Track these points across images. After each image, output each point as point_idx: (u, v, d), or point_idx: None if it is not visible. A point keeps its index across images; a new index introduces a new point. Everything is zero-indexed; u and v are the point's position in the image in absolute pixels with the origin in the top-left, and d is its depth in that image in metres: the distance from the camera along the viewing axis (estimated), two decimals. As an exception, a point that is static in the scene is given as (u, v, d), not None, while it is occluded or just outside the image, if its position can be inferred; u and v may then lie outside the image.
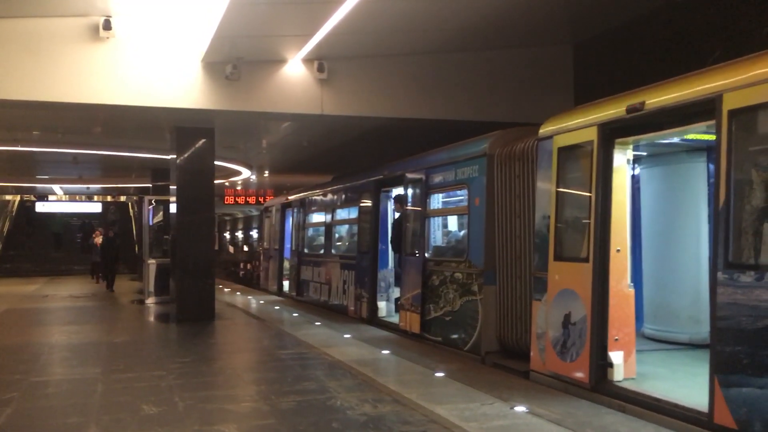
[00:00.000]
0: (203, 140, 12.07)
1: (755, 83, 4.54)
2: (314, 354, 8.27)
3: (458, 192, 9.47)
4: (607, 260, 6.03)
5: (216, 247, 31.96)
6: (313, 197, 15.67)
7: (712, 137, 5.06)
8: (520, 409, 5.49)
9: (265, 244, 20.66)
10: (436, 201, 10.10)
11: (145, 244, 16.22)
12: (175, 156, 12.14)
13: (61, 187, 28.32)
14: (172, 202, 12.55)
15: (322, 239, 14.97)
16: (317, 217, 15.53)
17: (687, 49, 8.68)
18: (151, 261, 15.17)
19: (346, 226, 14.26)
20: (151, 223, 16.43)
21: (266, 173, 22.52)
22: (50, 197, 30.96)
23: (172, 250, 12.88)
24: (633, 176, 6.98)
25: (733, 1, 8.28)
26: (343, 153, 16.52)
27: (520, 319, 7.66)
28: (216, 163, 12.87)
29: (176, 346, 9.67)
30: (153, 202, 17.08)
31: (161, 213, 16.81)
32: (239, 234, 49.68)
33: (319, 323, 11.17)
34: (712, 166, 6.89)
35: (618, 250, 6.05)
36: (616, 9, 9.44)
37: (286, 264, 17.89)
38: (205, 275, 12.11)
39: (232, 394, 6.45)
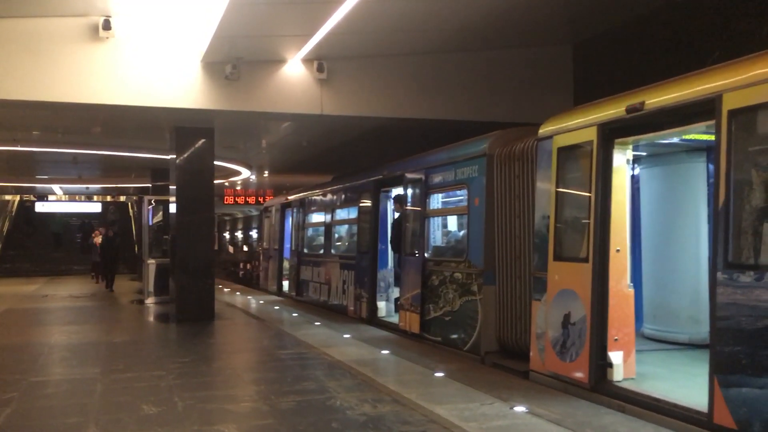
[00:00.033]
0: (203, 140, 12.06)
1: (755, 83, 4.54)
2: (314, 354, 8.27)
3: (458, 192, 9.47)
4: (607, 260, 6.03)
5: (215, 247, 31.98)
6: (313, 197, 15.67)
7: (712, 137, 5.06)
8: (520, 409, 5.49)
9: (264, 244, 20.66)
10: (436, 201, 10.10)
11: (144, 244, 16.22)
12: (174, 156, 12.14)
13: (60, 187, 28.31)
14: (172, 202, 12.55)
15: (321, 239, 14.97)
16: (317, 217, 15.53)
17: (687, 49, 8.69)
18: (151, 261, 15.17)
19: (346, 226, 14.26)
20: (150, 223, 16.43)
21: (266, 173, 22.52)
22: (50, 197, 30.95)
23: (171, 250, 12.88)
24: (633, 176, 6.98)
25: (733, 1, 8.28)
26: (343, 153, 16.52)
27: (519, 319, 7.66)
28: (216, 163, 12.87)
29: (176, 346, 9.67)
30: (153, 202, 17.08)
31: (161, 213, 16.81)
32: (239, 234, 49.68)
33: (318, 323, 11.17)
34: (711, 166, 6.89)
35: (618, 250, 6.05)
36: (616, 9, 9.44)
37: (286, 264, 17.89)
38: (205, 275, 12.11)
39: (231, 394, 6.45)
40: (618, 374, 5.91)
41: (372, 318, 11.44)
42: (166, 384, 6.71)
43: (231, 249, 48.97)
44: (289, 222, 17.93)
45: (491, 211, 8.20)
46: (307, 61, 10.21)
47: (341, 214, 14.08)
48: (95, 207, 33.92)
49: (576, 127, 6.48)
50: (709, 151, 6.95)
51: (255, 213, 35.81)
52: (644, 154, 7.58)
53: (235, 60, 9.58)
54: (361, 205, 12.42)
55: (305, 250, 15.95)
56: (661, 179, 7.68)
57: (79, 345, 9.51)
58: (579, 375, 6.11)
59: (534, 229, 7.18)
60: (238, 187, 26.18)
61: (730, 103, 4.69)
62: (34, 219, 34.37)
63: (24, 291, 19.82)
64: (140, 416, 5.51)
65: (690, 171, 7.42)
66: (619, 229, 6.08)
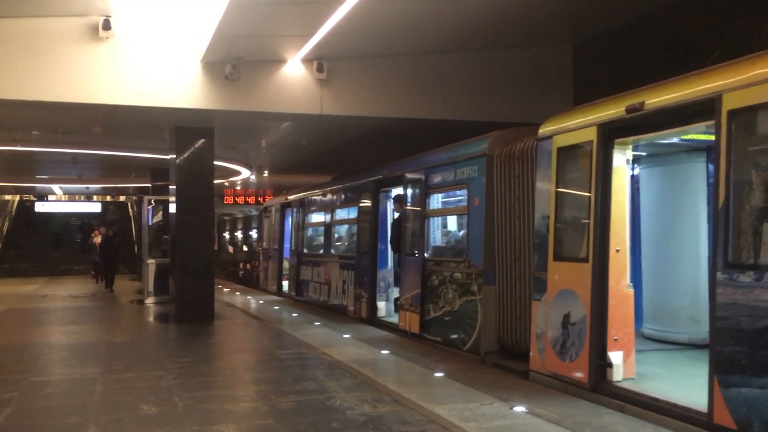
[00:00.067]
0: (203, 140, 12.06)
1: (755, 83, 4.54)
2: (313, 354, 8.27)
3: (458, 192, 9.47)
4: (607, 260, 6.03)
5: (215, 247, 31.97)
6: (313, 197, 15.67)
7: (712, 137, 5.05)
8: (520, 409, 5.49)
9: (264, 244, 20.66)
10: (436, 201, 10.10)
11: (144, 244, 16.22)
12: (174, 156, 12.14)
13: (60, 187, 28.31)
14: (172, 202, 12.55)
15: (321, 239, 14.97)
16: (317, 217, 15.53)
17: (687, 49, 8.68)
18: (151, 261, 15.16)
19: (346, 226, 14.26)
20: (150, 223, 16.43)
21: (266, 173, 22.52)
22: (50, 197, 30.95)
23: (171, 250, 12.88)
24: (632, 176, 6.97)
25: (733, 2, 8.28)
26: (343, 153, 16.52)
27: (519, 319, 7.66)
28: (215, 163, 12.87)
29: (175, 346, 9.67)
30: (152, 201, 17.08)
31: (161, 213, 16.81)
32: (239, 234, 49.66)
33: (318, 323, 11.17)
34: (711, 167, 6.89)
35: (617, 250, 6.05)
36: (616, 9, 9.44)
37: (286, 264, 17.89)
38: (205, 275, 12.11)
39: (231, 394, 6.45)
40: (618, 374, 5.91)
41: (372, 318, 11.44)
42: (165, 384, 6.71)
43: (231, 249, 48.96)
44: (288, 222, 17.93)
45: (491, 211, 8.20)
46: (307, 61, 10.21)
47: (341, 214, 14.08)
48: (95, 207, 33.92)
49: (576, 127, 6.48)
50: (709, 151, 6.95)
51: (255, 213, 35.80)
52: (644, 154, 7.58)
53: (235, 60, 9.58)
54: (360, 205, 12.42)
55: (305, 250, 15.95)
56: (660, 179, 7.68)
57: (78, 345, 9.51)
58: (579, 375, 6.11)
59: (534, 229, 7.18)
60: (238, 187, 26.18)
61: (730, 103, 4.69)
62: (34, 219, 34.35)
63: (24, 291, 19.81)
64: (140, 416, 5.51)
65: (690, 171, 7.41)
66: (619, 229, 6.08)
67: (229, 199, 26.22)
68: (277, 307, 14.24)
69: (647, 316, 7.77)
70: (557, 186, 6.69)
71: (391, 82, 10.66)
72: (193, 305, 11.94)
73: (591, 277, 6.04)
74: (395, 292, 11.24)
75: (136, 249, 24.58)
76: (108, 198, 31.99)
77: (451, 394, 6.08)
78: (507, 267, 7.92)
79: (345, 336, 9.66)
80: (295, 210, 16.98)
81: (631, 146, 6.18)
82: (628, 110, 5.76)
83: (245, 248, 44.63)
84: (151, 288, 15.13)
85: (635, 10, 9.42)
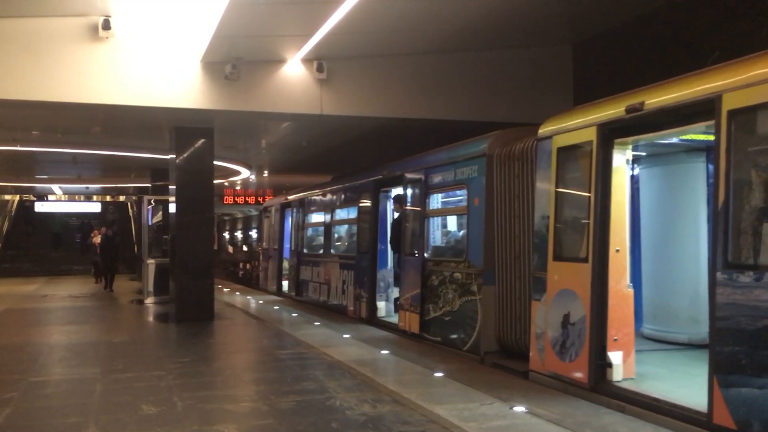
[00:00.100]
0: (202, 140, 12.06)
1: (755, 83, 4.54)
2: (313, 354, 8.27)
3: (457, 192, 9.47)
4: (607, 260, 6.03)
5: (215, 247, 31.97)
6: (313, 197, 15.67)
7: (712, 137, 5.06)
8: (520, 409, 5.49)
9: (264, 244, 20.66)
10: (436, 201, 10.10)
11: (144, 244, 16.22)
12: (174, 156, 12.14)
13: (60, 187, 28.31)
14: (172, 202, 12.55)
15: (321, 239, 14.97)
16: (316, 217, 15.54)
17: (687, 49, 8.69)
18: (151, 261, 15.17)
19: (346, 226, 14.26)
20: (150, 223, 16.43)
21: (265, 173, 22.53)
22: (49, 197, 30.95)
23: (171, 250, 12.88)
24: (632, 176, 6.97)
25: (732, 2, 8.28)
26: (343, 153, 16.53)
27: (519, 319, 7.66)
28: (215, 163, 12.87)
29: (175, 346, 9.67)
30: (152, 201, 17.08)
31: (160, 213, 16.82)
32: (238, 234, 49.66)
33: (318, 323, 11.17)
34: (711, 167, 6.89)
35: (617, 250, 6.05)
36: (616, 9, 9.44)
37: (286, 264, 17.89)
38: (205, 275, 12.10)
39: (231, 394, 6.45)
40: (617, 374, 5.91)
41: (371, 318, 11.44)
42: (165, 384, 6.71)
43: (230, 249, 48.95)
44: (288, 222, 17.93)
45: (491, 211, 8.20)
46: (307, 61, 10.21)
47: (341, 214, 14.08)
48: (95, 207, 33.93)
49: (576, 127, 6.48)
50: (709, 151, 6.95)
51: (255, 213, 35.80)
52: (644, 154, 7.58)
53: (235, 60, 9.58)
54: (360, 205, 12.42)
55: (305, 250, 15.95)
56: (660, 179, 7.68)
57: (78, 345, 9.51)
58: (578, 375, 6.11)
59: (533, 229, 7.18)
60: (238, 187, 26.18)
61: (729, 103, 4.69)
62: (34, 219, 34.37)
63: (23, 291, 19.82)
64: (140, 416, 5.51)
65: (689, 171, 7.42)
66: (619, 229, 6.08)
67: (228, 199, 26.23)
68: (276, 307, 14.24)
69: (647, 316, 7.77)
70: (557, 186, 6.69)
71: (391, 82, 10.66)
72: (192, 305, 11.94)
73: (591, 277, 6.04)
74: (395, 292, 11.25)
75: (135, 249, 24.57)
76: (108, 198, 32.00)
77: (451, 394, 6.08)
78: (507, 267, 7.93)
79: (345, 336, 9.66)
80: (294, 210, 16.99)
81: (630, 146, 6.18)
82: (628, 110, 5.76)
83: (245, 248, 44.63)
84: (150, 288, 15.13)
85: (635, 10, 9.43)
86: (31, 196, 30.86)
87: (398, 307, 10.61)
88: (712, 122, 4.88)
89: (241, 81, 9.89)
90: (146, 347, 9.47)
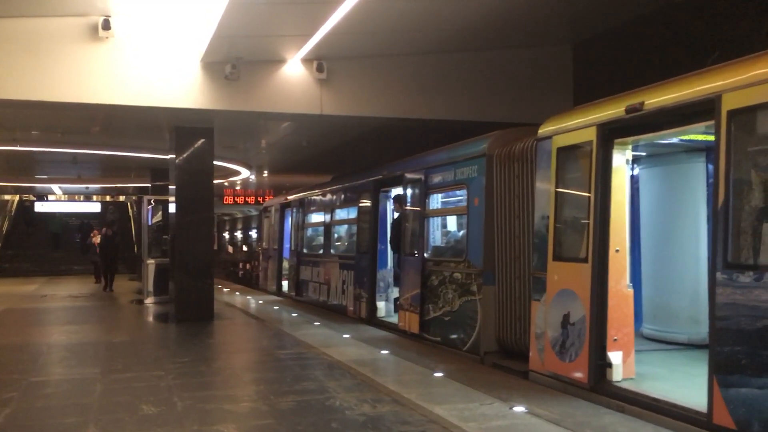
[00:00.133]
0: (202, 140, 12.07)
1: (754, 83, 4.54)
2: (313, 354, 8.27)
3: (457, 192, 9.47)
4: (606, 260, 6.03)
5: (215, 247, 31.96)
6: (312, 197, 15.67)
7: (711, 138, 5.06)
8: (519, 409, 5.49)
9: (264, 244, 20.66)
10: (435, 201, 10.10)
11: (144, 244, 16.21)
12: (174, 156, 12.14)
13: (60, 187, 28.31)
14: (171, 202, 12.55)
15: (321, 239, 14.97)
16: (316, 217, 15.54)
17: (687, 49, 8.68)
18: (150, 261, 15.16)
19: (345, 226, 14.26)
20: (150, 223, 16.42)
21: (265, 173, 22.52)
22: (49, 197, 30.95)
23: (171, 250, 12.88)
24: (632, 176, 6.97)
25: (732, 2, 8.28)
26: (343, 153, 16.53)
27: (519, 320, 7.66)
28: (215, 163, 12.87)
29: (175, 346, 9.66)
30: (152, 201, 17.07)
31: (160, 213, 16.81)
32: (238, 234, 49.64)
33: (318, 323, 11.17)
34: (711, 167, 6.89)
35: (617, 251, 6.05)
36: (616, 9, 9.44)
37: (285, 264, 17.89)
38: (204, 275, 12.11)
39: (231, 394, 6.45)
40: (617, 374, 5.91)
41: (371, 318, 11.45)
42: (165, 384, 6.71)
43: (230, 249, 48.93)
44: (288, 222, 17.93)
45: (491, 211, 8.20)
46: (307, 61, 10.21)
47: (341, 214, 14.08)
48: (94, 207, 33.92)
49: (575, 127, 6.48)
50: (709, 151, 6.95)
51: (254, 213, 35.79)
52: (644, 154, 7.59)
53: (235, 60, 9.58)
54: (360, 205, 12.42)
55: (305, 250, 15.95)
56: (660, 179, 7.68)
57: (78, 345, 9.51)
58: (578, 375, 6.11)
59: (533, 229, 7.19)
60: (238, 187, 26.17)
61: (729, 103, 4.69)
62: (34, 219, 34.35)
63: (23, 291, 19.81)
64: (140, 416, 5.51)
65: (689, 171, 7.42)
66: (619, 229, 6.08)
67: (228, 199, 26.21)
68: (276, 307, 14.24)
69: (647, 316, 7.78)
70: (557, 186, 6.69)
71: (391, 82, 10.66)
72: (192, 305, 11.94)
73: (590, 277, 6.04)
74: (395, 292, 11.25)
75: (135, 249, 24.57)
76: (107, 198, 31.99)
77: (451, 394, 6.08)
78: (506, 267, 7.93)
79: (344, 336, 9.66)
80: (294, 210, 16.98)
81: (630, 146, 6.18)
82: (628, 110, 5.76)
83: (245, 248, 44.62)
84: (150, 288, 15.13)
85: (635, 10, 9.43)
86: (31, 196, 30.86)
87: (398, 307, 10.61)
88: (711, 122, 4.88)
89: (241, 81, 9.89)
90: (146, 347, 9.47)
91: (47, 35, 9.17)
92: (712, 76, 5.04)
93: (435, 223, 10.56)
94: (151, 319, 13.09)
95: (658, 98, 5.50)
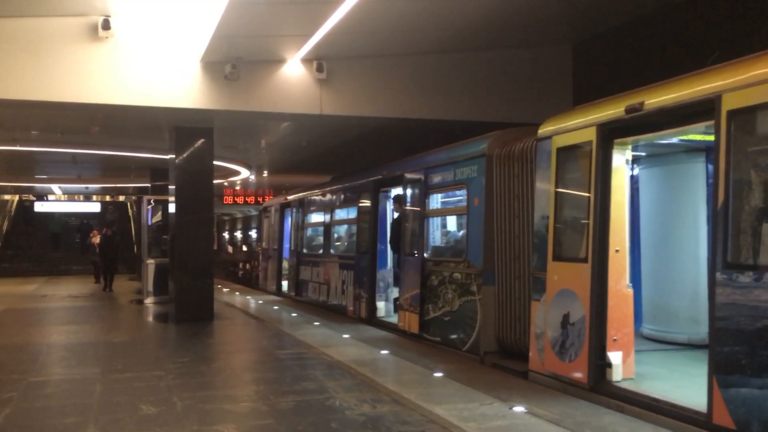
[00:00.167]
0: (202, 140, 12.07)
1: (754, 84, 4.54)
2: (313, 354, 8.26)
3: (457, 192, 9.47)
4: (606, 260, 6.03)
5: (215, 247, 31.96)
6: (312, 197, 15.67)
7: (711, 138, 5.06)
8: (519, 409, 5.49)
9: (263, 244, 20.66)
10: (435, 201, 10.10)
11: (143, 244, 16.21)
12: (174, 156, 12.14)
13: (59, 187, 28.30)
14: (171, 202, 12.54)
15: (321, 239, 14.97)
16: (316, 217, 15.54)
17: (687, 49, 8.69)
18: (150, 261, 15.16)
19: (345, 226, 14.26)
20: (149, 223, 16.42)
21: (265, 173, 22.52)
22: (49, 197, 30.94)
23: (170, 250, 12.88)
24: (632, 176, 6.98)
25: (732, 2, 8.28)
26: (343, 153, 16.52)
27: (518, 320, 7.66)
28: (215, 163, 12.87)
29: (175, 346, 9.67)
30: (152, 201, 17.07)
31: (160, 213, 16.81)
32: (238, 234, 49.64)
33: (317, 323, 11.17)
34: (710, 167, 6.90)
35: (617, 251, 6.05)
36: (616, 9, 9.45)
37: (285, 264, 17.89)
38: (204, 275, 12.10)
39: (230, 394, 6.45)
40: (617, 374, 5.91)
41: (371, 318, 11.44)
42: (165, 384, 6.71)
43: (230, 249, 48.93)
44: (288, 222, 17.93)
45: (490, 211, 8.20)
46: (307, 61, 10.21)
47: (340, 214, 14.08)
48: (94, 207, 33.91)
49: (575, 127, 6.48)
50: (708, 151, 6.96)
51: (254, 213, 35.79)
52: (643, 154, 7.59)
53: (235, 60, 9.58)
54: (360, 205, 12.42)
55: (304, 250, 15.95)
56: (660, 179, 7.68)
57: (78, 345, 9.51)
58: (578, 375, 6.11)
59: (533, 229, 7.18)
60: (238, 187, 26.16)
61: (729, 103, 4.69)
62: (33, 219, 34.36)
63: (23, 291, 19.81)
64: (139, 416, 5.51)
65: (689, 171, 7.42)
66: (619, 229, 6.08)
67: (228, 199, 26.21)
68: (276, 307, 14.23)
69: (646, 317, 7.78)
70: (556, 186, 6.69)
71: (391, 82, 10.66)
72: (192, 305, 11.94)
73: (590, 277, 6.04)
74: (394, 292, 11.25)
75: (135, 249, 24.57)
76: (107, 198, 31.98)
77: (451, 394, 6.08)
78: (506, 267, 7.92)
79: (344, 336, 9.66)
80: (294, 210, 16.98)
81: (630, 146, 6.18)
82: (628, 110, 5.76)
83: (245, 248, 44.62)
84: (150, 288, 15.13)
85: (635, 10, 9.43)
86: (31, 195, 30.84)
87: (398, 307, 10.61)
88: (711, 122, 4.88)
89: (240, 81, 9.89)
90: (146, 347, 9.47)
91: (47, 35, 9.17)
92: (712, 76, 5.04)
93: (435, 223, 10.56)
94: (150, 319, 13.09)
95: (658, 98, 5.50)
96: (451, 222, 11.20)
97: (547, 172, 6.82)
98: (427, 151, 10.15)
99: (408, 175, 10.37)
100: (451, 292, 8.81)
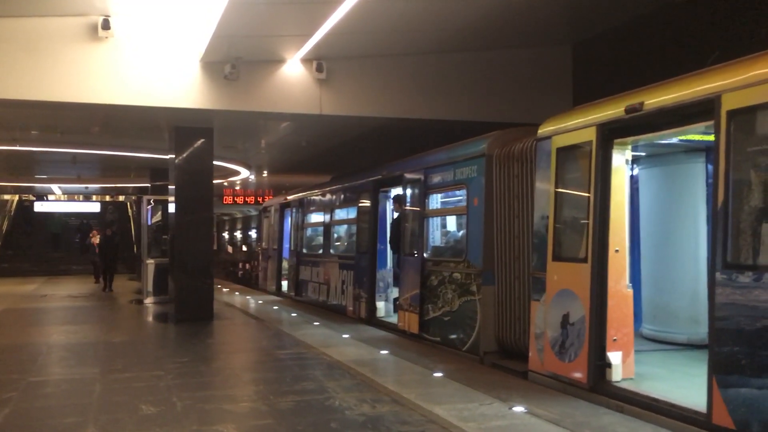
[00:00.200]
0: (202, 140, 12.06)
1: (754, 84, 4.54)
2: (313, 354, 8.26)
3: (457, 192, 9.47)
4: (606, 260, 6.03)
5: (214, 247, 31.96)
6: (312, 197, 15.67)
7: (711, 138, 5.06)
8: (519, 409, 5.49)
9: (263, 244, 20.66)
10: (435, 201, 10.10)
11: (143, 244, 16.22)
12: (173, 156, 12.14)
13: (59, 187, 28.30)
14: (171, 202, 12.54)
15: (320, 239, 14.97)
16: (316, 217, 15.54)
17: (687, 49, 8.69)
18: (150, 261, 15.16)
19: (345, 226, 14.26)
20: (149, 223, 16.42)
21: (265, 173, 22.52)
22: (49, 197, 30.94)
23: (170, 250, 12.88)
24: (631, 177, 6.98)
25: (732, 2, 8.28)
26: (343, 153, 16.52)
27: (518, 320, 7.66)
28: (215, 163, 12.87)
29: (175, 346, 9.66)
30: (152, 201, 17.06)
31: (160, 213, 16.81)
32: (238, 234, 49.65)
33: (317, 323, 11.17)
34: (710, 167, 6.89)
35: (616, 251, 6.05)
36: (616, 9, 9.45)
37: (285, 264, 17.89)
38: (204, 275, 12.10)
39: (230, 394, 6.45)
40: (617, 374, 5.91)
41: (371, 318, 11.44)
42: (164, 384, 6.71)
43: (230, 249, 48.93)
44: (288, 222, 17.93)
45: (490, 212, 8.20)
46: (307, 61, 10.21)
47: (340, 214, 14.08)
48: (94, 207, 33.93)
49: (575, 127, 6.48)
50: (708, 151, 6.96)
51: (254, 213, 35.79)
52: (643, 154, 7.59)
53: (235, 60, 9.58)
54: (360, 205, 12.42)
55: (304, 250, 15.95)
56: (660, 180, 7.68)
57: (77, 345, 9.51)
58: (578, 375, 6.11)
59: (533, 230, 7.18)
60: (238, 187, 26.16)
61: (729, 103, 4.69)
62: (33, 219, 34.36)
63: (22, 291, 19.81)
64: (139, 416, 5.51)
65: (689, 171, 7.42)
66: (618, 229, 6.08)
67: (228, 199, 26.21)
68: (276, 307, 14.23)
69: (646, 317, 7.78)
70: (556, 186, 6.69)
71: (391, 82, 10.66)
72: (192, 305, 11.93)
73: (590, 277, 6.04)
74: (394, 292, 11.25)
75: (135, 249, 24.56)
76: (107, 198, 31.98)
77: (450, 394, 6.08)
78: (506, 267, 7.92)
79: (344, 336, 9.66)
80: (294, 210, 16.98)
81: (630, 146, 6.18)
82: (628, 110, 5.76)
83: (244, 248, 44.61)
84: (150, 288, 15.13)
85: (635, 10, 9.43)
86: (31, 195, 30.85)
87: (397, 307, 10.61)
88: (711, 122, 4.88)
89: (240, 81, 9.89)
90: (145, 347, 9.47)
91: (47, 35, 9.17)
92: (711, 76, 5.04)
93: (434, 223, 10.56)
94: (150, 319, 13.09)
95: (657, 98, 5.50)
96: (451, 222, 11.20)
97: (547, 172, 6.82)
98: (427, 151, 10.14)
99: (408, 175, 10.37)
100: (451, 292, 8.81)
